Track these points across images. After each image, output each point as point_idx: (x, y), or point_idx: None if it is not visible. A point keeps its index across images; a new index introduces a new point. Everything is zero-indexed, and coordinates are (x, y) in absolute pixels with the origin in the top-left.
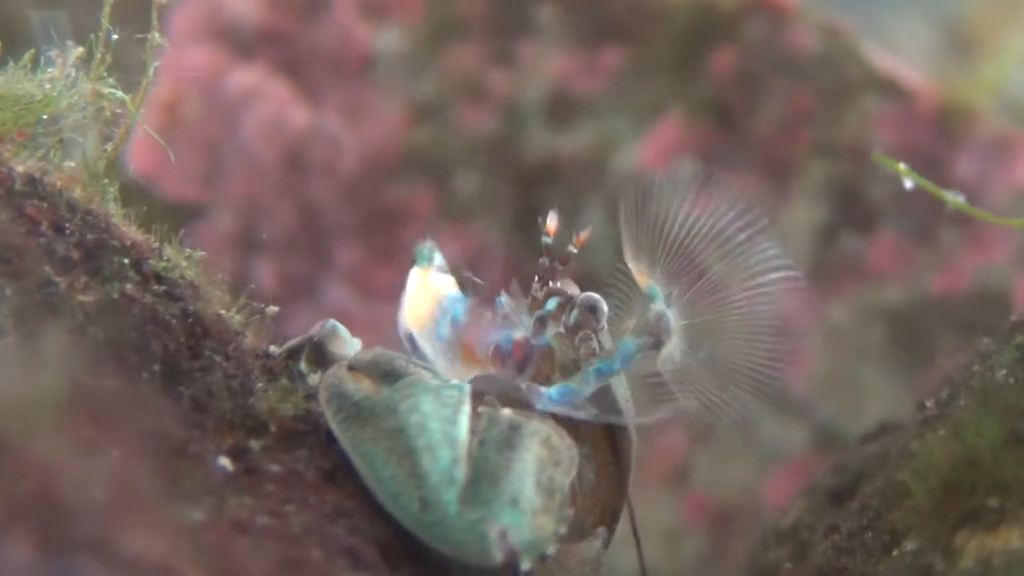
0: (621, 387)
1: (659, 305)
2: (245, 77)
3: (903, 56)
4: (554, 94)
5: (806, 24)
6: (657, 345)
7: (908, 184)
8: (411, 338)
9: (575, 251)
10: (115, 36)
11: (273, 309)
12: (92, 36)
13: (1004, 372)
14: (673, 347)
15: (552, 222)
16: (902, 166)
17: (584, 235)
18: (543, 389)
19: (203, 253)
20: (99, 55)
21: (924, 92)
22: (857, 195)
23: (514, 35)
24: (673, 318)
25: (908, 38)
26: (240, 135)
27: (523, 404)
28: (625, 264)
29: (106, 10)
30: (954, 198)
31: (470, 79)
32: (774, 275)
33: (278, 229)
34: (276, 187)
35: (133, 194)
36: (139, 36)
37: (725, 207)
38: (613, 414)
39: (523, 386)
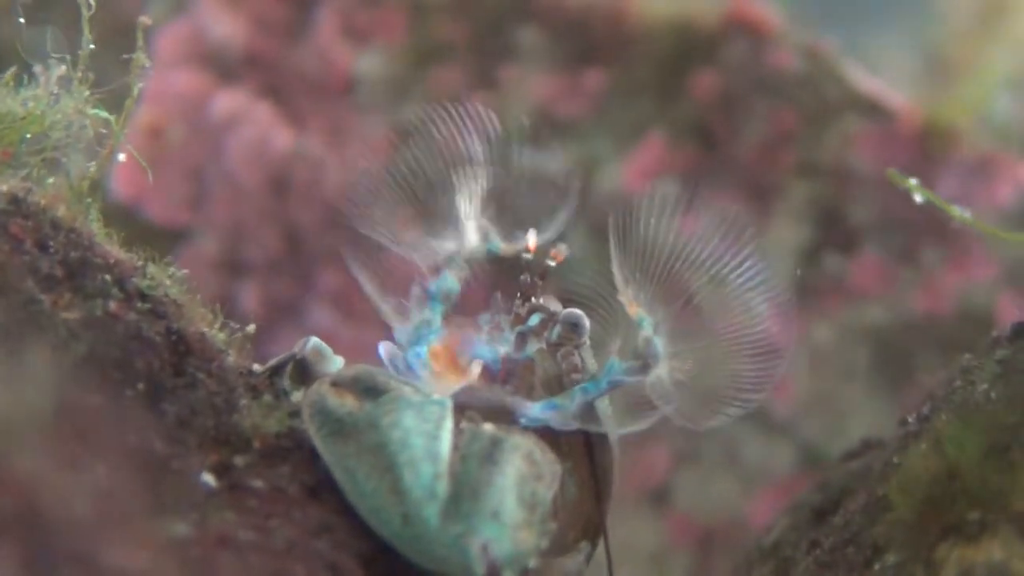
0: (602, 402)
1: (648, 331)
2: (229, 101)
3: (884, 77)
4: (537, 116)
5: (787, 45)
6: (644, 370)
7: (918, 198)
8: (393, 360)
9: (552, 264)
10: (92, 46)
11: (251, 328)
12: (69, 56)
13: (985, 387)
14: (661, 370)
15: (531, 240)
16: (912, 181)
17: (561, 249)
18: (528, 403)
19: (179, 270)
20: (80, 73)
21: (905, 113)
22: (839, 215)
23: (497, 58)
24: (661, 344)
25: (889, 59)
26: (224, 159)
27: (506, 417)
28: (612, 286)
29: (86, 26)
30: (961, 213)
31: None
32: (760, 297)
33: (262, 252)
34: (260, 210)
35: (118, 218)
36: (125, 56)
37: (710, 228)
38: (595, 426)
39: (508, 400)
